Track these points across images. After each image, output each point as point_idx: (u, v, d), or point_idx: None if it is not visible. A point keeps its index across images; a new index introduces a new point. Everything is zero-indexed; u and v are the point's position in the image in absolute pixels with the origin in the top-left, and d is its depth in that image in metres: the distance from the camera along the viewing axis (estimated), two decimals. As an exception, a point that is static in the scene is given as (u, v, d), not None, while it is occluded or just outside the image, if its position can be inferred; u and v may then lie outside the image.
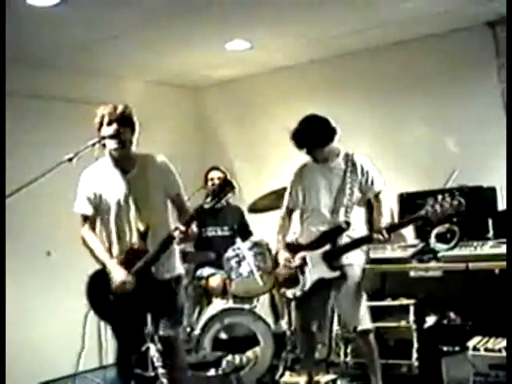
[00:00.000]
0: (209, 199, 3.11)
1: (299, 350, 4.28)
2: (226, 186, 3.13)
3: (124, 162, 3.35)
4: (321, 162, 3.90)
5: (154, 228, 3.28)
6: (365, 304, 3.87)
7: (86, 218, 3.41)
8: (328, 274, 3.79)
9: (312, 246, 3.85)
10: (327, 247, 3.80)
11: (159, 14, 4.28)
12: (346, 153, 3.90)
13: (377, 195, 3.88)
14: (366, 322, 3.83)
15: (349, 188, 3.81)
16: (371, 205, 3.91)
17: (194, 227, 3.24)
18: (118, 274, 3.25)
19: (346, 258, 3.81)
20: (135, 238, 3.29)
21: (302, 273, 3.85)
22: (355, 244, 3.82)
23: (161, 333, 3.29)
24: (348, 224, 3.79)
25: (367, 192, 3.86)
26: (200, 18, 4.38)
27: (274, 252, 4.33)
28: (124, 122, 3.27)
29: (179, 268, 3.41)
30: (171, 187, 3.38)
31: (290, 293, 3.93)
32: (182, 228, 3.13)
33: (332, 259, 3.78)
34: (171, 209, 3.41)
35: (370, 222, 3.91)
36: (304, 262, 3.85)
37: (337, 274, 3.78)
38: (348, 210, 3.80)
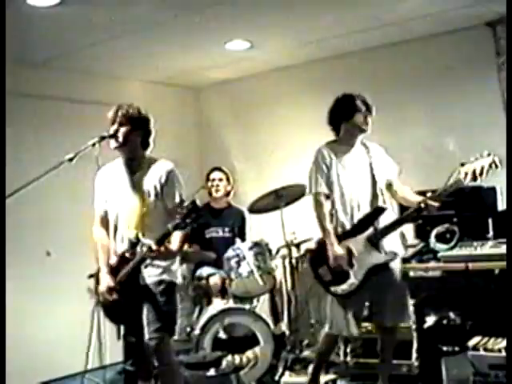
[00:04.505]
0: (176, 221, 3.03)
1: (321, 349, 4.00)
2: (193, 211, 3.02)
3: (132, 162, 3.34)
4: (345, 143, 3.78)
5: (145, 236, 3.24)
6: None
7: (99, 216, 3.43)
8: (381, 258, 3.61)
9: (354, 231, 3.64)
10: (370, 231, 3.62)
11: (159, 14, 4.29)
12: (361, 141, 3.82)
13: (391, 182, 3.78)
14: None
15: (376, 171, 3.72)
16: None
17: (173, 246, 3.20)
18: (103, 282, 3.29)
19: (390, 247, 3.65)
20: (126, 245, 3.29)
21: (350, 266, 3.62)
22: (401, 221, 3.67)
23: (147, 337, 3.30)
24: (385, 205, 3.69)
25: (385, 179, 3.77)
26: (200, 18, 4.38)
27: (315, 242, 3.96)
28: (124, 122, 3.26)
29: (169, 274, 3.36)
30: (168, 198, 3.32)
31: (340, 289, 3.65)
32: (154, 247, 3.10)
33: (378, 241, 3.61)
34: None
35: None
36: (350, 253, 3.62)
37: (390, 257, 3.63)
38: (382, 193, 3.71)
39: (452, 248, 4.32)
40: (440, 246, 4.38)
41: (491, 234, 4.44)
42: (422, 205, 3.54)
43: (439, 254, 4.34)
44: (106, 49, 4.90)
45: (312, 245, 3.91)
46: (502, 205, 4.63)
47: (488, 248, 4.18)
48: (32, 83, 5.06)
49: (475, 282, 4.12)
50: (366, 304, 3.84)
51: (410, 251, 4.50)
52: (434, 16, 4.61)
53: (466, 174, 3.46)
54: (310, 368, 4.07)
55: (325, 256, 3.68)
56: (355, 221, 3.68)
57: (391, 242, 3.69)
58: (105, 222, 3.42)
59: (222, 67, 5.79)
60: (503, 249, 4.06)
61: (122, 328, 3.49)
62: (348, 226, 3.69)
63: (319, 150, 3.77)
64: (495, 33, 4.76)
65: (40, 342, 4.99)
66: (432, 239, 4.44)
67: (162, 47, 5.04)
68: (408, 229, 4.94)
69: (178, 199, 3.31)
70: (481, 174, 3.44)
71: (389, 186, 3.80)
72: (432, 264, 4.37)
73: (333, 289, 3.68)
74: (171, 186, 3.32)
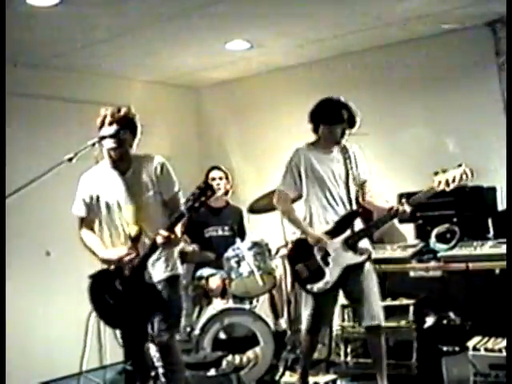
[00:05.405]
0: (189, 203, 3.03)
1: (302, 349, 4.05)
2: (206, 189, 3.03)
3: (121, 162, 3.35)
4: (323, 146, 3.83)
5: (146, 232, 3.26)
6: None
7: (82, 220, 3.44)
8: (356, 259, 3.69)
9: (330, 235, 3.72)
10: (347, 233, 3.71)
11: (159, 14, 4.28)
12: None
13: (364, 183, 3.86)
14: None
15: (351, 175, 3.79)
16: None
17: (177, 231, 3.19)
18: (114, 253, 3.28)
19: (363, 248, 3.76)
20: (127, 242, 3.29)
21: (326, 264, 3.72)
22: (376, 224, 3.77)
23: (155, 335, 3.29)
24: (360, 209, 3.78)
25: (359, 180, 3.84)
26: (200, 17, 4.38)
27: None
28: (125, 124, 3.27)
29: (173, 269, 3.37)
30: (165, 190, 3.34)
31: (316, 287, 3.74)
32: (165, 233, 3.09)
33: (355, 243, 3.71)
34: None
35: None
36: (326, 252, 3.72)
37: (364, 257, 3.71)
38: (357, 197, 3.79)
39: (452, 248, 4.33)
40: (440, 246, 4.38)
41: (491, 233, 4.45)
42: (395, 209, 3.64)
43: (439, 254, 4.35)
44: (106, 48, 4.90)
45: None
46: (501, 205, 4.63)
47: (488, 248, 4.19)
48: (31, 83, 5.06)
49: (475, 281, 4.13)
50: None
51: (410, 251, 4.51)
52: (434, 16, 4.61)
53: (440, 182, 3.59)
54: (298, 371, 4.07)
55: (302, 254, 3.79)
56: (331, 223, 3.75)
57: (363, 243, 3.78)
58: (90, 223, 3.43)
59: (222, 67, 5.79)
60: (503, 249, 4.06)
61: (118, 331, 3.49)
62: (324, 228, 3.75)
63: (296, 151, 3.86)
64: (495, 33, 4.77)
65: (40, 341, 4.99)
66: (432, 239, 4.45)
67: (162, 47, 5.04)
68: (408, 229, 4.96)
69: (176, 189, 3.34)
70: (453, 181, 3.58)
71: (361, 185, 3.86)
72: (432, 264, 4.38)
73: (309, 286, 3.77)
74: (167, 176, 3.35)
